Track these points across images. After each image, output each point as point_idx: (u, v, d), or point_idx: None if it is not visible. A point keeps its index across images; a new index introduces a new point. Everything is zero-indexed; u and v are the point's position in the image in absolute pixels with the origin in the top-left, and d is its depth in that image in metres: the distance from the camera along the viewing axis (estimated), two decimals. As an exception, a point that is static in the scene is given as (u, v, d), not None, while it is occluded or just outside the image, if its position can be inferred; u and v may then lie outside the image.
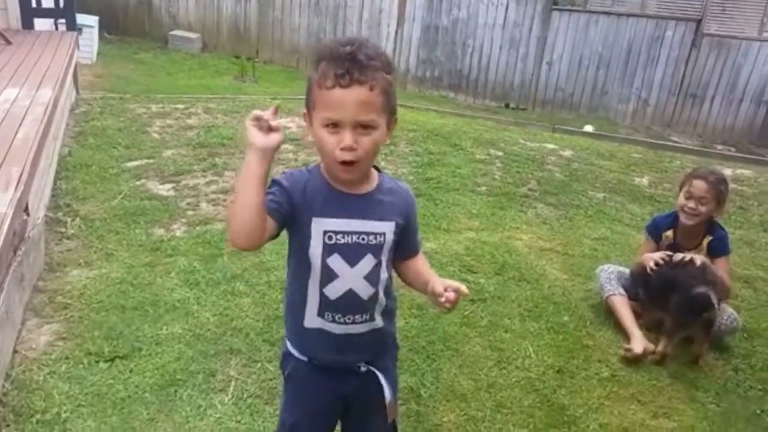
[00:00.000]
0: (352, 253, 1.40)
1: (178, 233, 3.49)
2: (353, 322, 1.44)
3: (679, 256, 2.86)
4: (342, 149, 1.29)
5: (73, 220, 3.46)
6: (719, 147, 8.50)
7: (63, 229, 3.35)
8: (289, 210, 1.35)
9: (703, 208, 2.89)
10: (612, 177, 5.41)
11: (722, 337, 2.96)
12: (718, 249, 2.95)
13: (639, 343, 2.81)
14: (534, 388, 2.54)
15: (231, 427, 2.16)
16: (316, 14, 9.82)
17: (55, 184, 3.85)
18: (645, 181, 5.48)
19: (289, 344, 1.53)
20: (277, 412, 1.80)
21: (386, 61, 1.31)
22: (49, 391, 2.22)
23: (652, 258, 2.92)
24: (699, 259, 2.82)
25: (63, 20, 6.59)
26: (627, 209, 4.69)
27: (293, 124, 5.44)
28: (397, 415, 1.71)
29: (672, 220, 3.04)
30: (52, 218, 3.44)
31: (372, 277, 1.43)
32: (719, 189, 2.91)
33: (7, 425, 2.06)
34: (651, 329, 2.96)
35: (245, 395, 2.31)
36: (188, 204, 3.87)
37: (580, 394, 2.54)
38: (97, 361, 2.40)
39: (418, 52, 9.69)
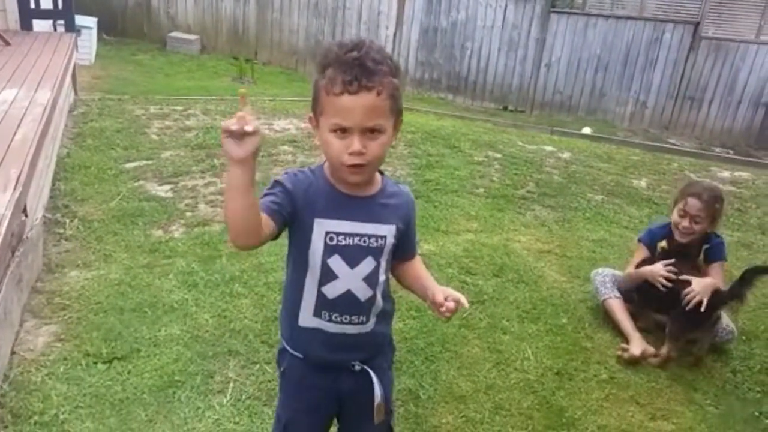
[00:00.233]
0: (353, 255, 1.40)
1: (176, 234, 3.49)
2: (350, 323, 1.45)
3: (683, 277, 2.81)
4: (351, 154, 1.29)
5: (71, 221, 3.46)
6: (717, 149, 8.52)
7: (61, 230, 3.35)
8: (291, 211, 1.35)
9: (697, 227, 2.88)
10: (610, 179, 5.42)
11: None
12: (714, 255, 2.95)
13: (638, 345, 2.81)
14: (533, 389, 2.54)
15: (229, 428, 2.16)
16: (315, 16, 9.83)
17: (53, 185, 3.84)
18: (643, 183, 5.48)
19: (284, 341, 1.54)
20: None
21: (393, 65, 1.32)
22: (47, 392, 2.22)
23: (661, 275, 2.84)
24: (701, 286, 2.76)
25: (62, 21, 6.59)
26: (625, 211, 4.70)
27: (291, 125, 5.44)
28: (393, 416, 1.71)
29: (667, 231, 3.01)
30: (51, 219, 3.43)
31: (371, 279, 1.43)
32: (714, 208, 2.88)
33: (5, 427, 2.05)
34: (651, 332, 2.96)
35: (244, 397, 2.31)
36: (187, 205, 3.87)
37: (578, 395, 2.54)
38: (96, 363, 2.39)
39: (417, 54, 9.70)
